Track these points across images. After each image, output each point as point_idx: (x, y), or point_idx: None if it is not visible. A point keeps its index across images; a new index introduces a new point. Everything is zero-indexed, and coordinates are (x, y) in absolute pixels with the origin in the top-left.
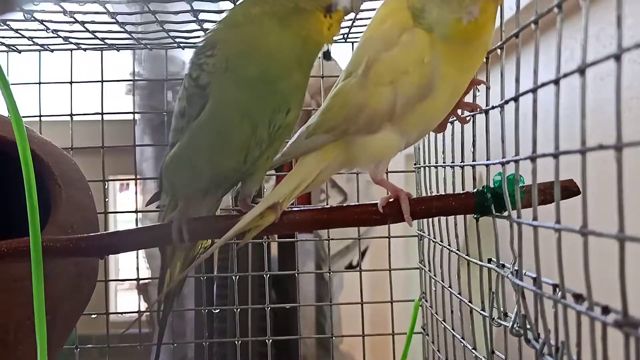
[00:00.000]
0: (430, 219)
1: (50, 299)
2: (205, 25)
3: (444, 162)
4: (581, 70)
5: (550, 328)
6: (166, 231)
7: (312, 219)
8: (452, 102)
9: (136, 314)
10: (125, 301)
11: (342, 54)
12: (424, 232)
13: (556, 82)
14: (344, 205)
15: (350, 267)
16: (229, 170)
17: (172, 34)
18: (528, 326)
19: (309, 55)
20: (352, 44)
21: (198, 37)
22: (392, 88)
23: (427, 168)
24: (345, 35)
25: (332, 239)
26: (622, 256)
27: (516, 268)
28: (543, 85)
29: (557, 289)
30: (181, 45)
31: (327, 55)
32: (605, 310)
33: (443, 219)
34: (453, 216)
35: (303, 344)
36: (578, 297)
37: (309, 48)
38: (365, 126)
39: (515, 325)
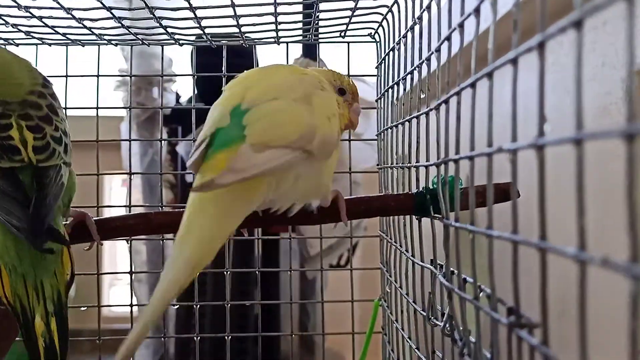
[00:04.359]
0: (390, 220)
1: None
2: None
3: (400, 163)
4: (489, 74)
5: (471, 329)
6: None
7: None
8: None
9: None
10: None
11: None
12: (385, 233)
13: (472, 85)
14: None
15: (332, 267)
16: None
17: (133, 30)
18: (456, 327)
19: None
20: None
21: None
22: (331, 122)
23: (388, 169)
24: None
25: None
26: (516, 258)
27: (451, 269)
28: (463, 89)
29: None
30: (146, 41)
31: (311, 54)
32: (511, 311)
33: (400, 218)
34: (408, 217)
35: (285, 343)
36: (489, 299)
37: None
38: (319, 148)
39: (446, 326)
